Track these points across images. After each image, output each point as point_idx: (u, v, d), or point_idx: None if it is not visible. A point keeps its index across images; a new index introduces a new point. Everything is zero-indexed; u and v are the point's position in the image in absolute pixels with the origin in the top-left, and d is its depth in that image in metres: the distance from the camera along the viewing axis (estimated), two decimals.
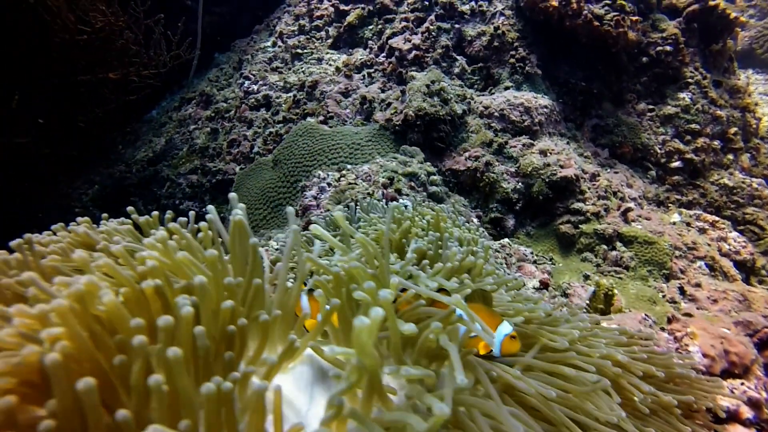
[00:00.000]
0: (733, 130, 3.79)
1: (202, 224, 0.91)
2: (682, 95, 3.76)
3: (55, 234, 1.13)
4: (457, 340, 0.79)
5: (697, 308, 2.37)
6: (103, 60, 3.81)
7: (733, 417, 1.27)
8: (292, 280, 1.01)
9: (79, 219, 1.16)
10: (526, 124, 3.32)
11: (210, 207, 0.91)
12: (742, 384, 1.35)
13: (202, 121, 4.98)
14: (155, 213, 1.17)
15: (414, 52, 3.98)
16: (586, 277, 2.58)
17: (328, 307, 0.89)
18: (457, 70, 3.85)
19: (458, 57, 3.89)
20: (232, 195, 1.00)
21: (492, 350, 0.98)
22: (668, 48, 3.69)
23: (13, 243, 0.85)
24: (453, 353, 0.68)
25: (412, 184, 2.47)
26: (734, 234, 3.05)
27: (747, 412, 1.28)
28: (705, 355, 1.39)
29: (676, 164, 3.72)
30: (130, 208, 1.11)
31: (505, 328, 0.98)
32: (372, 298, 0.74)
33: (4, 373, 0.57)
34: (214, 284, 0.77)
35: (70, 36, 3.43)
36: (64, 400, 0.57)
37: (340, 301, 0.87)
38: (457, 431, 0.82)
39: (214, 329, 0.76)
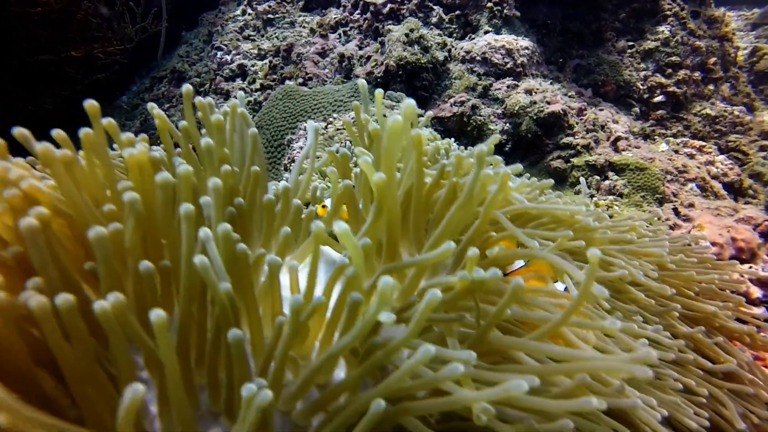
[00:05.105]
0: (713, 60, 3.80)
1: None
2: (661, 28, 3.75)
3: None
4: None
5: (693, 227, 2.39)
6: (64, 37, 3.62)
7: (744, 297, 1.28)
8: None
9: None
10: (508, 66, 3.28)
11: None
12: (751, 268, 1.36)
13: (176, 98, 4.81)
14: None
15: (389, 5, 3.88)
16: None
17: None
18: (434, 20, 3.76)
19: (434, 6, 3.80)
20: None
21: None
22: None
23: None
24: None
25: None
26: (721, 157, 3.08)
27: (757, 292, 1.30)
28: (714, 244, 1.40)
29: (659, 99, 3.73)
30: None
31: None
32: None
33: None
34: (219, 152, 0.70)
35: (22, 10, 3.23)
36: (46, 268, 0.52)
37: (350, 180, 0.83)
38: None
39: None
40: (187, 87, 0.75)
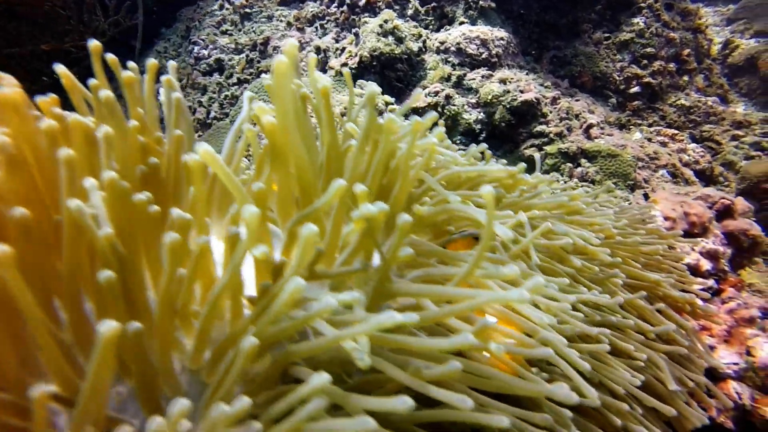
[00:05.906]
0: (687, 51, 3.83)
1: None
2: (635, 20, 3.77)
3: None
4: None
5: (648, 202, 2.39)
6: (32, 29, 3.55)
7: (693, 271, 1.28)
8: None
9: None
10: (483, 56, 3.27)
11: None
12: (701, 241, 1.36)
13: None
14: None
15: None
16: None
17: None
18: (410, 12, 3.75)
19: None
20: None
21: None
22: None
23: None
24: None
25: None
26: (693, 145, 3.10)
27: (706, 265, 1.30)
28: (666, 218, 1.40)
29: (635, 89, 3.74)
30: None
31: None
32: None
33: None
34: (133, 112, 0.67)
35: None
36: None
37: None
38: None
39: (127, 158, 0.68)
40: (94, 43, 0.72)
